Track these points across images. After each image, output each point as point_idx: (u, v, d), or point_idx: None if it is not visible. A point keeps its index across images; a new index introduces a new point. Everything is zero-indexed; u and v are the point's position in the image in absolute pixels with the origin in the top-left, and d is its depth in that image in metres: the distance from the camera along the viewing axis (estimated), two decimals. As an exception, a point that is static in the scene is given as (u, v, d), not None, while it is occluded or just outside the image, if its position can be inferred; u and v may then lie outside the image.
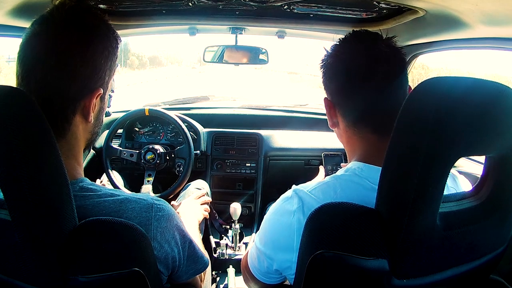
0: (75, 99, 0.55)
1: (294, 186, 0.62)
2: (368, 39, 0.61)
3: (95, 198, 0.54)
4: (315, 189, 0.58)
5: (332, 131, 0.69)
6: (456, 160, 0.45)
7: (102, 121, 0.63)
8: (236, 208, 1.32)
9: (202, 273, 0.77)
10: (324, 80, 0.64)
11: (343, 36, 0.64)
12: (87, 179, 0.58)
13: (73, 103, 0.55)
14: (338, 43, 0.64)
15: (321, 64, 0.65)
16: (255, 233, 1.55)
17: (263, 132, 1.66)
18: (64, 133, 0.55)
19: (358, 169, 0.57)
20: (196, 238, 0.95)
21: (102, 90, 0.57)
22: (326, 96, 0.65)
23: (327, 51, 0.64)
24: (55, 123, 0.53)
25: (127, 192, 0.61)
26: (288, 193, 0.61)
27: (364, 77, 0.58)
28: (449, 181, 0.48)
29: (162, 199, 0.60)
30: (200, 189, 1.36)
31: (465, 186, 0.67)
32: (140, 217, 0.55)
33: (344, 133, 0.63)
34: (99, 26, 0.57)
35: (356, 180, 0.56)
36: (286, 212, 0.59)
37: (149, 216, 0.55)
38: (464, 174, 0.71)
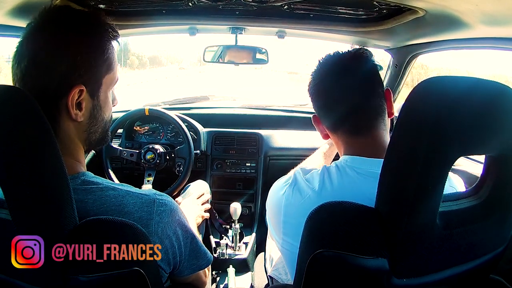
0: (56, 97, 0.54)
1: (298, 168, 0.73)
2: (336, 63, 0.72)
3: (97, 191, 0.54)
4: (309, 173, 0.70)
5: None
6: (456, 159, 0.45)
7: (103, 120, 0.61)
8: (236, 208, 1.32)
9: (207, 270, 0.77)
10: (311, 100, 0.77)
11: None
12: (90, 172, 0.57)
13: (55, 101, 0.54)
14: (316, 69, 0.74)
15: (308, 88, 0.77)
16: (255, 232, 1.55)
17: (263, 132, 1.65)
18: (56, 132, 0.54)
19: (343, 160, 0.69)
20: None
21: (84, 86, 0.55)
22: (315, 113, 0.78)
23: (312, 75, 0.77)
24: None
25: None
26: (291, 173, 0.74)
27: (336, 98, 0.70)
28: (448, 181, 0.48)
29: (165, 194, 0.60)
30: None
31: (458, 184, 0.69)
32: (142, 211, 0.55)
33: (332, 138, 0.76)
34: (77, 23, 0.55)
35: (341, 169, 0.67)
36: (281, 188, 0.71)
37: (150, 210, 0.55)
38: (463, 174, 0.71)
